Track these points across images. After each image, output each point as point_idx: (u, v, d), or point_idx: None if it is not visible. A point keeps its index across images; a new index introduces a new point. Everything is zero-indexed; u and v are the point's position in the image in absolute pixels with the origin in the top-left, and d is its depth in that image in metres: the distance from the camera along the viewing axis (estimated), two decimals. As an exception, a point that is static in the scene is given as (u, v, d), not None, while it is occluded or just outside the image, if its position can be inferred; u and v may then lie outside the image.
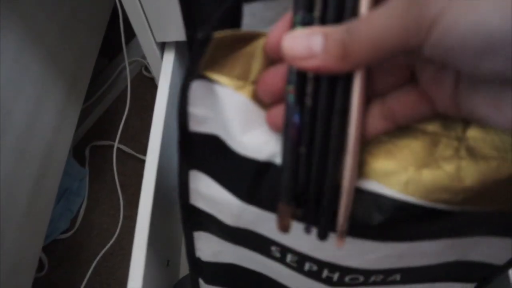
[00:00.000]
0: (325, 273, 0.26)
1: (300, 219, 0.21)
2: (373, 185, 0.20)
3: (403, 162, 0.20)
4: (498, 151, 0.18)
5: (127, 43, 0.62)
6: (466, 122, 0.19)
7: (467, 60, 0.14)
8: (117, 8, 0.54)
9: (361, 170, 0.20)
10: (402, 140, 0.20)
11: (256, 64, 0.21)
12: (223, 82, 0.21)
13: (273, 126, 0.21)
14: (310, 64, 0.16)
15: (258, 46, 0.20)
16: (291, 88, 0.18)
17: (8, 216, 0.51)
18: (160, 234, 0.39)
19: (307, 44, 0.16)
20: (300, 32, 0.17)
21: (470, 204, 0.20)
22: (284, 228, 0.21)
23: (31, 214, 0.57)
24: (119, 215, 0.81)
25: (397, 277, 0.26)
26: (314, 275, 0.26)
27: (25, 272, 0.59)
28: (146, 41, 0.43)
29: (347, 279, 0.26)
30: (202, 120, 0.23)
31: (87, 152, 0.90)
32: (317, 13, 0.17)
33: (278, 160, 0.21)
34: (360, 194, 0.20)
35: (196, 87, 0.22)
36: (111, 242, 0.77)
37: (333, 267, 0.25)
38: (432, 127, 0.20)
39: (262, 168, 0.22)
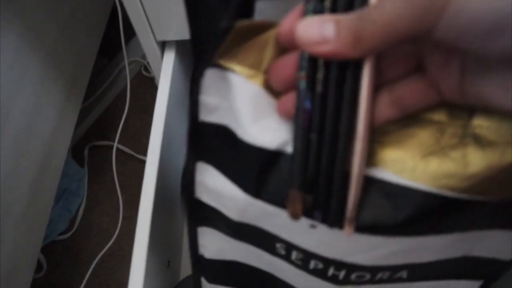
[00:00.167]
0: (331, 271, 0.25)
1: (310, 206, 0.22)
2: (381, 173, 0.21)
3: (410, 151, 0.20)
4: (504, 138, 0.18)
5: (126, 42, 0.61)
6: (472, 111, 0.19)
7: (478, 40, 0.14)
8: (117, 7, 0.53)
9: (369, 159, 0.20)
10: (409, 130, 0.20)
11: (268, 54, 0.21)
12: (237, 70, 0.21)
13: (284, 113, 0.21)
14: (322, 49, 0.17)
15: (270, 36, 0.20)
16: (303, 74, 0.19)
17: (6, 217, 0.50)
18: (161, 234, 0.39)
19: (320, 30, 0.17)
20: (313, 19, 0.17)
21: (477, 192, 0.20)
22: (295, 215, 0.22)
23: (30, 214, 0.57)
24: (118, 216, 0.81)
25: (404, 274, 0.26)
26: (320, 273, 0.26)
27: (24, 273, 0.58)
28: (146, 40, 0.42)
29: (353, 277, 0.25)
30: (213, 109, 0.23)
31: (86, 152, 0.90)
32: (327, 2, 0.17)
33: (288, 149, 0.22)
34: (368, 184, 0.21)
35: (209, 75, 0.22)
36: (110, 243, 0.77)
37: (339, 265, 0.25)
38: (438, 116, 0.20)
39: (272, 158, 0.22)
